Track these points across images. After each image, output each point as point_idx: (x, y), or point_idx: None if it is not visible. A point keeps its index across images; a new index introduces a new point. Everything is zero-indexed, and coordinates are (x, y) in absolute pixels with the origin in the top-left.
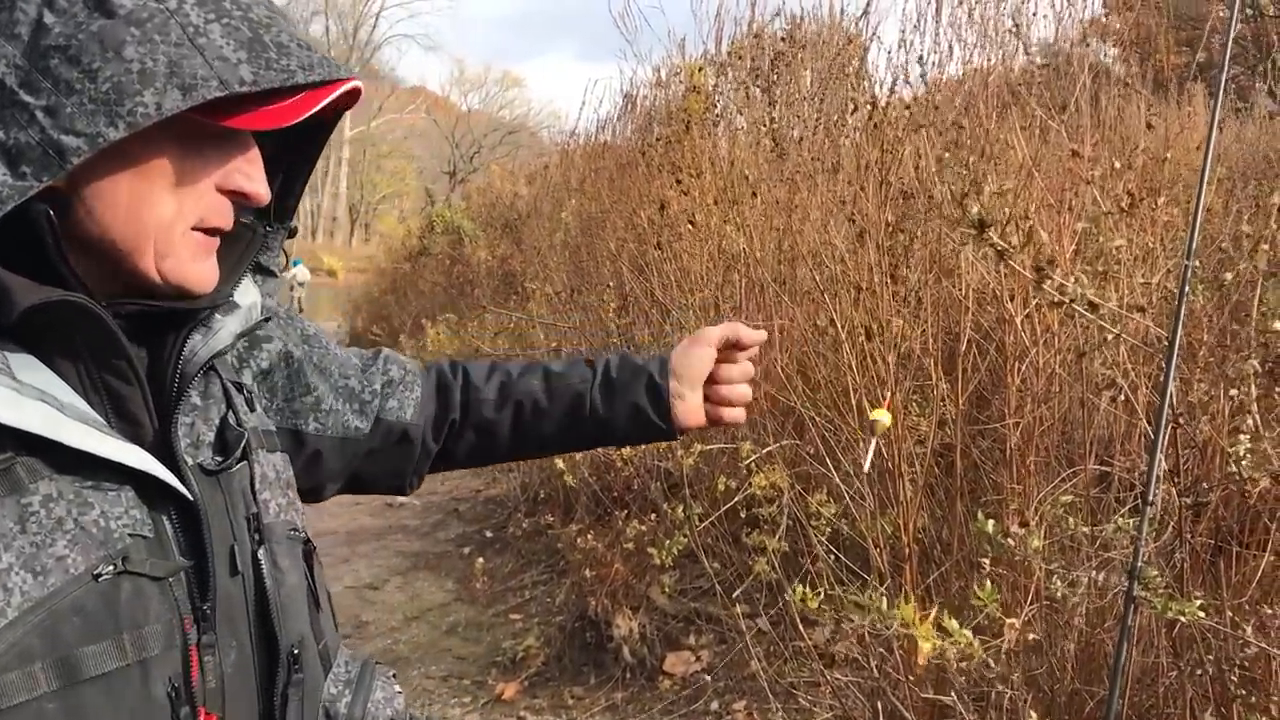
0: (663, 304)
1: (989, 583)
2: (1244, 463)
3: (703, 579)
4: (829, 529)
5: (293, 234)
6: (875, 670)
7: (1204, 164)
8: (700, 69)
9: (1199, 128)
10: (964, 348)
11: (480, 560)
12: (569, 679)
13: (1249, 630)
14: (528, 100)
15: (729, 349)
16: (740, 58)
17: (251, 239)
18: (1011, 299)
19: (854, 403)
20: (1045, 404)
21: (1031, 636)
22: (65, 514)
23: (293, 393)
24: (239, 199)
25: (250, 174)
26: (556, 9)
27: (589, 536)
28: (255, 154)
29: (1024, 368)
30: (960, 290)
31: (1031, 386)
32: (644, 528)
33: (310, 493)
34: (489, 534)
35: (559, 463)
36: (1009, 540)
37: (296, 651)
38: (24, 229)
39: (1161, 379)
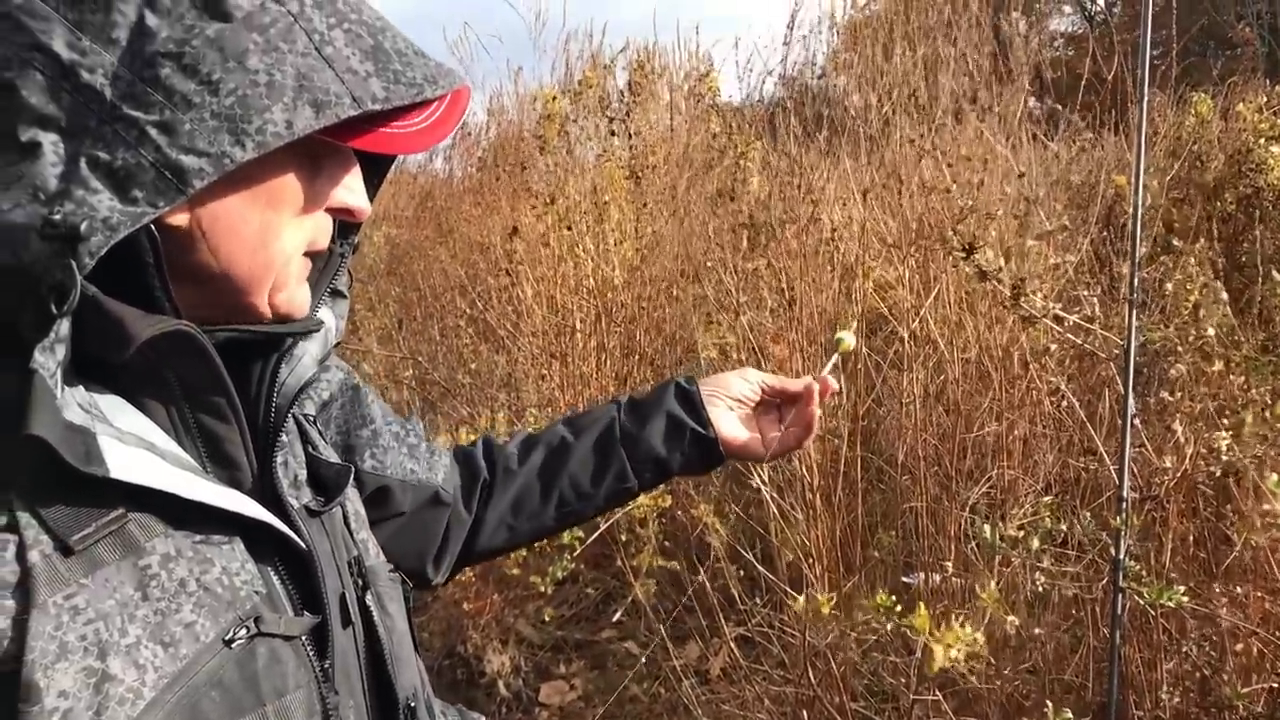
0: (500, 336)
1: (992, 583)
2: (1228, 452)
3: (565, 606)
4: (725, 546)
5: (356, 249)
6: (804, 679)
7: (1136, 174)
8: (554, 98)
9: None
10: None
11: None
12: None
13: (1223, 611)
14: None
15: (779, 399)
16: (590, 86)
17: (329, 258)
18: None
19: None
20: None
21: (1037, 630)
22: (187, 574)
23: (348, 424)
24: (343, 216)
25: (354, 187)
26: None
27: None
28: (357, 166)
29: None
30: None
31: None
32: (525, 553)
33: None
34: None
35: None
36: (1002, 543)
37: (413, 705)
38: (115, 250)
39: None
